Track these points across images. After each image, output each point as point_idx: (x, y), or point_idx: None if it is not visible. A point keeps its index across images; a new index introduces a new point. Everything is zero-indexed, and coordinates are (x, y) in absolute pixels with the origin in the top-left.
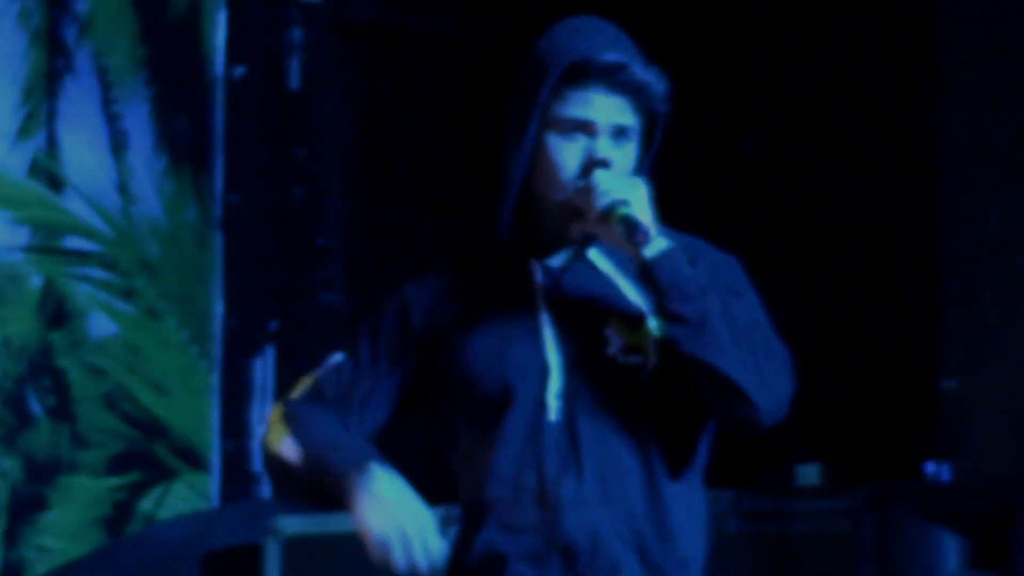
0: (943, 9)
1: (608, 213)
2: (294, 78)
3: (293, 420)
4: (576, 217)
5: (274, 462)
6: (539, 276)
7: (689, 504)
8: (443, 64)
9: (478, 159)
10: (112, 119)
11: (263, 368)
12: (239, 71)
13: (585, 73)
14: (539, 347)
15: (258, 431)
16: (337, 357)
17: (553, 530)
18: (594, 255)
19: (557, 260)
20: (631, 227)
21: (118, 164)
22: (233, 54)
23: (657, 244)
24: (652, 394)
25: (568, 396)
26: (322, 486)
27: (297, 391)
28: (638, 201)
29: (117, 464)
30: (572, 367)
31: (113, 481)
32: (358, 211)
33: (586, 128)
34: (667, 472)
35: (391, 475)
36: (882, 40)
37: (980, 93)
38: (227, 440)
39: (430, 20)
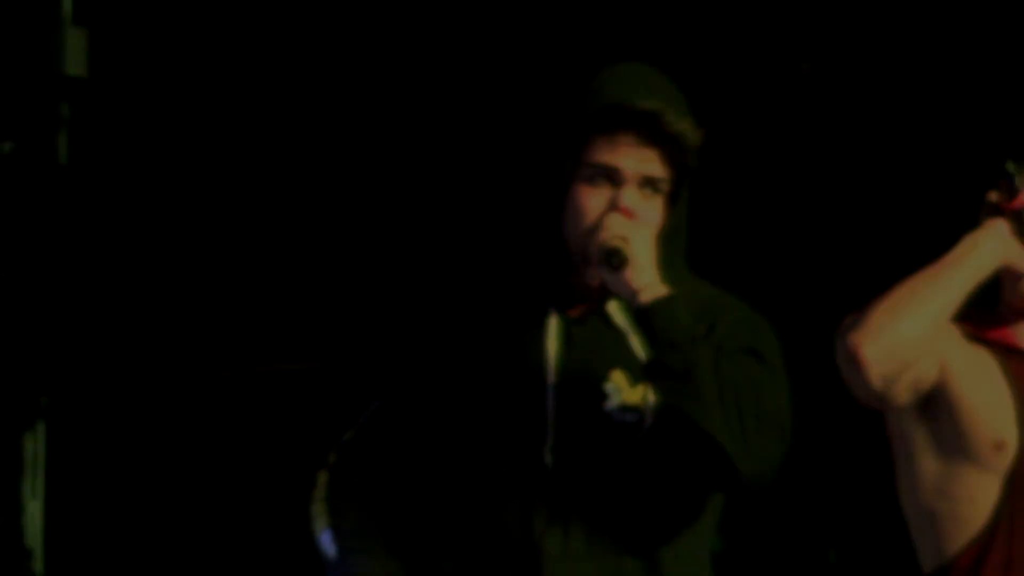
0: None
1: (603, 251)
2: (62, 152)
3: None
4: (590, 264)
5: None
6: (553, 326)
7: (690, 564)
8: (212, 134)
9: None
10: None
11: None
12: (6, 145)
13: (616, 120)
14: (540, 398)
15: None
16: None
17: None
18: (612, 308)
19: (574, 310)
20: (609, 254)
21: None
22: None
23: (653, 290)
24: (649, 453)
25: (562, 449)
26: None
27: None
28: (638, 241)
29: None
30: (569, 421)
31: None
32: (130, 286)
33: (613, 176)
34: (664, 532)
35: None
36: None
37: None
38: None
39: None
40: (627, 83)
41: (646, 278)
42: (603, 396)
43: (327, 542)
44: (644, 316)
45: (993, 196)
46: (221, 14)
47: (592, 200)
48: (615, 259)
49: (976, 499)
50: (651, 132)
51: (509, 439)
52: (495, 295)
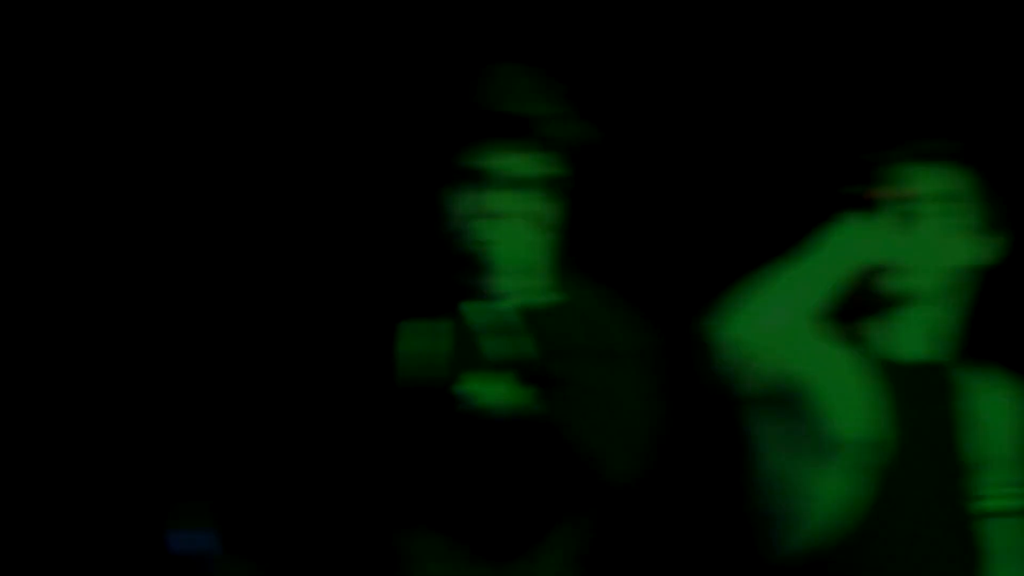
0: None
1: (470, 252)
2: None
3: None
4: (459, 266)
5: None
6: (409, 328)
7: (555, 566)
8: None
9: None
10: None
11: None
12: None
13: (490, 124)
14: (398, 402)
15: None
16: None
17: None
18: (467, 308)
19: (431, 312)
20: (474, 257)
21: None
22: None
23: (520, 297)
24: (507, 455)
25: (419, 450)
26: None
27: None
28: (507, 245)
29: None
30: (425, 421)
31: None
32: None
33: (486, 178)
34: (527, 533)
35: None
36: None
37: None
38: None
39: None
40: (500, 86)
41: (513, 284)
42: (459, 397)
43: (185, 542)
44: (512, 322)
45: (852, 189)
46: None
47: (464, 203)
48: (481, 263)
49: (827, 498)
50: (524, 136)
51: (367, 440)
52: (356, 297)
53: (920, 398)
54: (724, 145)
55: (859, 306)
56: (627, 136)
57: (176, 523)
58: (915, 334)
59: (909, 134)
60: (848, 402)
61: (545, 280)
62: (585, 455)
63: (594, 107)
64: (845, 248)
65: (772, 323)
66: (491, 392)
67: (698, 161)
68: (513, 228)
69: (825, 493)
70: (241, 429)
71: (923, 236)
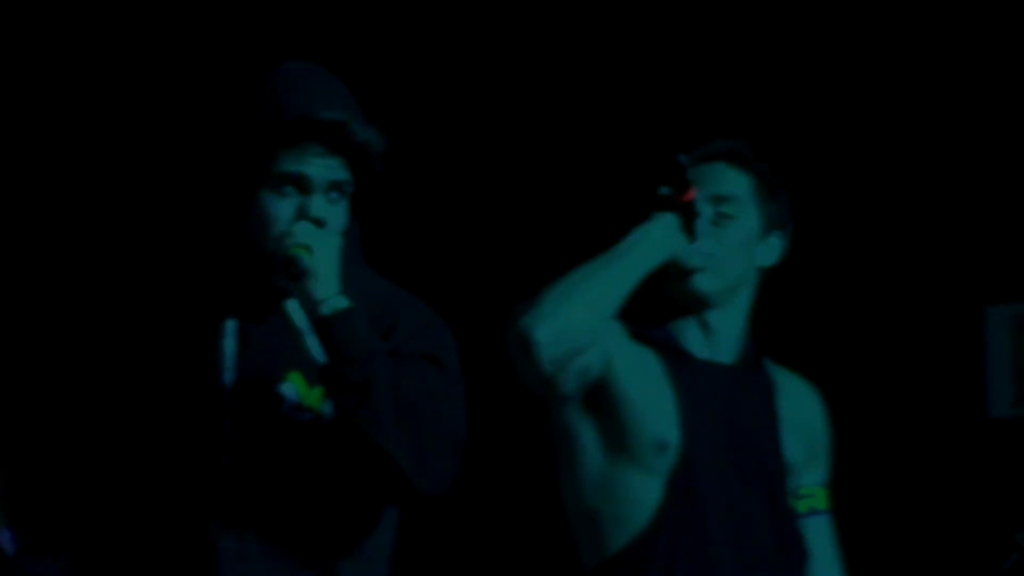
0: None
1: (285, 259)
2: None
3: None
4: (275, 270)
5: None
6: (228, 330)
7: (367, 568)
8: None
9: None
10: None
11: None
12: None
13: (302, 130)
14: (217, 403)
15: None
16: None
17: None
18: (291, 308)
19: (252, 312)
20: (289, 262)
21: None
22: None
23: (332, 302)
24: (325, 456)
25: (238, 449)
26: None
27: None
28: (321, 251)
29: None
30: (245, 420)
31: None
32: None
33: (301, 184)
34: (340, 535)
35: None
36: None
37: None
38: None
39: None
40: (307, 91)
41: (326, 290)
42: (280, 397)
43: (6, 541)
44: (323, 328)
45: (663, 189)
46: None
47: (280, 208)
48: (295, 268)
49: (638, 500)
50: (337, 141)
51: (185, 438)
52: (173, 296)
53: (727, 398)
54: (536, 145)
55: (666, 306)
56: (437, 136)
57: None
58: (722, 334)
59: (714, 134)
60: (655, 403)
61: (355, 277)
62: (394, 459)
63: (398, 110)
64: (653, 247)
65: (586, 317)
66: (313, 391)
67: (511, 162)
68: (330, 233)
69: (640, 494)
70: (49, 427)
71: (730, 237)
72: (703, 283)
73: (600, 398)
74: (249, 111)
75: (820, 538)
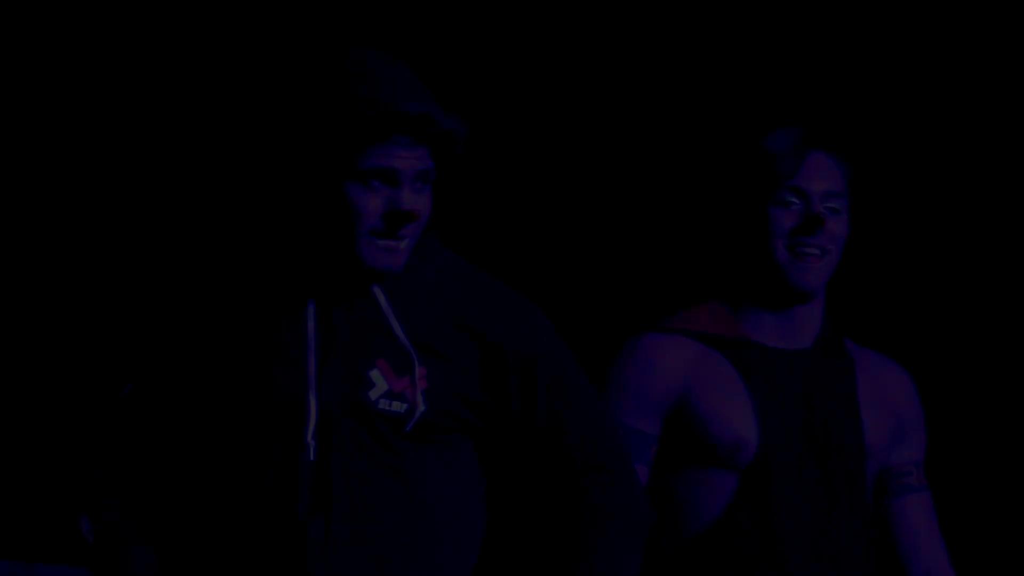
0: None
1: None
2: None
3: None
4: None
5: None
6: (311, 314)
7: (456, 554)
8: None
9: None
10: None
11: None
12: None
13: (389, 123)
14: (302, 386)
15: None
16: None
17: (298, 570)
18: (378, 292)
19: (336, 299)
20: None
21: None
22: None
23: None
24: (417, 442)
25: (325, 437)
26: None
27: None
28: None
29: None
30: (332, 408)
31: None
32: None
33: (389, 177)
34: (429, 520)
35: None
36: None
37: None
38: None
39: None
40: (388, 82)
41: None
42: (368, 384)
43: (86, 529)
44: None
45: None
46: None
47: (369, 202)
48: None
49: (714, 490)
50: (423, 131)
51: (271, 424)
52: (256, 282)
53: (804, 386)
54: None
55: (736, 293)
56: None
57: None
58: (805, 323)
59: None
60: (730, 409)
61: (432, 255)
62: None
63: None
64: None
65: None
66: (402, 378)
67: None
68: (420, 224)
69: (716, 485)
70: (130, 415)
71: (839, 232)
72: (814, 281)
73: (676, 422)
74: (330, 106)
75: (914, 517)
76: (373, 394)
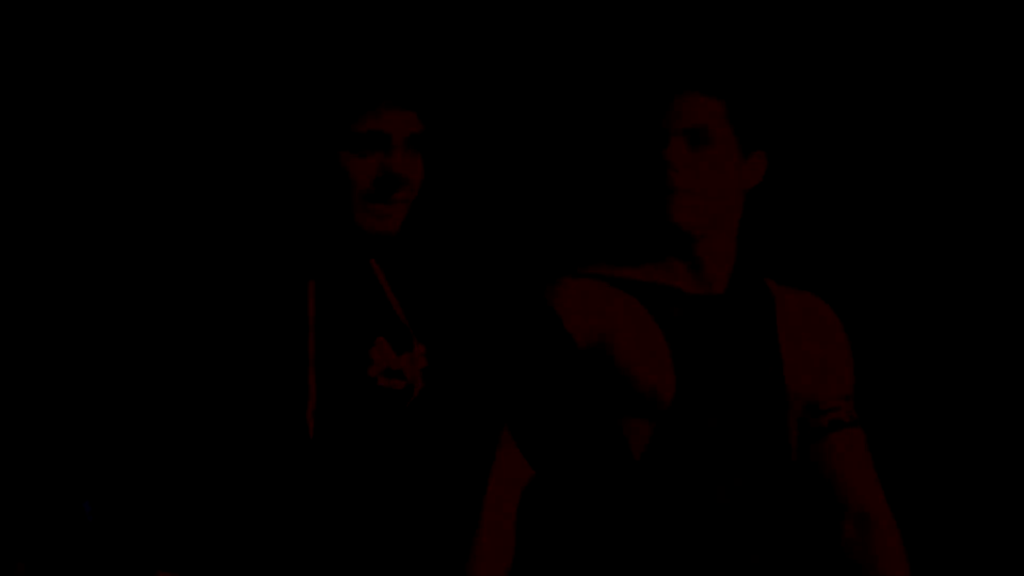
0: None
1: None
2: None
3: None
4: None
5: None
6: (311, 292)
7: (455, 528)
8: None
9: None
10: None
11: None
12: None
13: (380, 88)
14: (302, 364)
15: None
16: None
17: (299, 546)
18: (378, 270)
19: (333, 272)
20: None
21: None
22: None
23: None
24: (417, 419)
25: (326, 415)
26: None
27: None
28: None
29: None
30: (332, 386)
31: None
32: None
33: (382, 142)
34: (434, 501)
35: None
36: None
37: None
38: None
39: None
40: (376, 48)
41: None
42: (367, 361)
43: (87, 510)
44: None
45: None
46: None
47: (364, 168)
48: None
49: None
50: (413, 95)
51: (270, 404)
52: (250, 262)
53: (719, 330)
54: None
55: (649, 243)
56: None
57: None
58: (711, 265)
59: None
60: (646, 355)
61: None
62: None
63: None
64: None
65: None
66: (401, 356)
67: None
68: (413, 189)
69: (631, 429)
70: (131, 396)
71: (706, 166)
72: (683, 216)
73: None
74: (320, 74)
75: (846, 453)
76: (373, 371)
